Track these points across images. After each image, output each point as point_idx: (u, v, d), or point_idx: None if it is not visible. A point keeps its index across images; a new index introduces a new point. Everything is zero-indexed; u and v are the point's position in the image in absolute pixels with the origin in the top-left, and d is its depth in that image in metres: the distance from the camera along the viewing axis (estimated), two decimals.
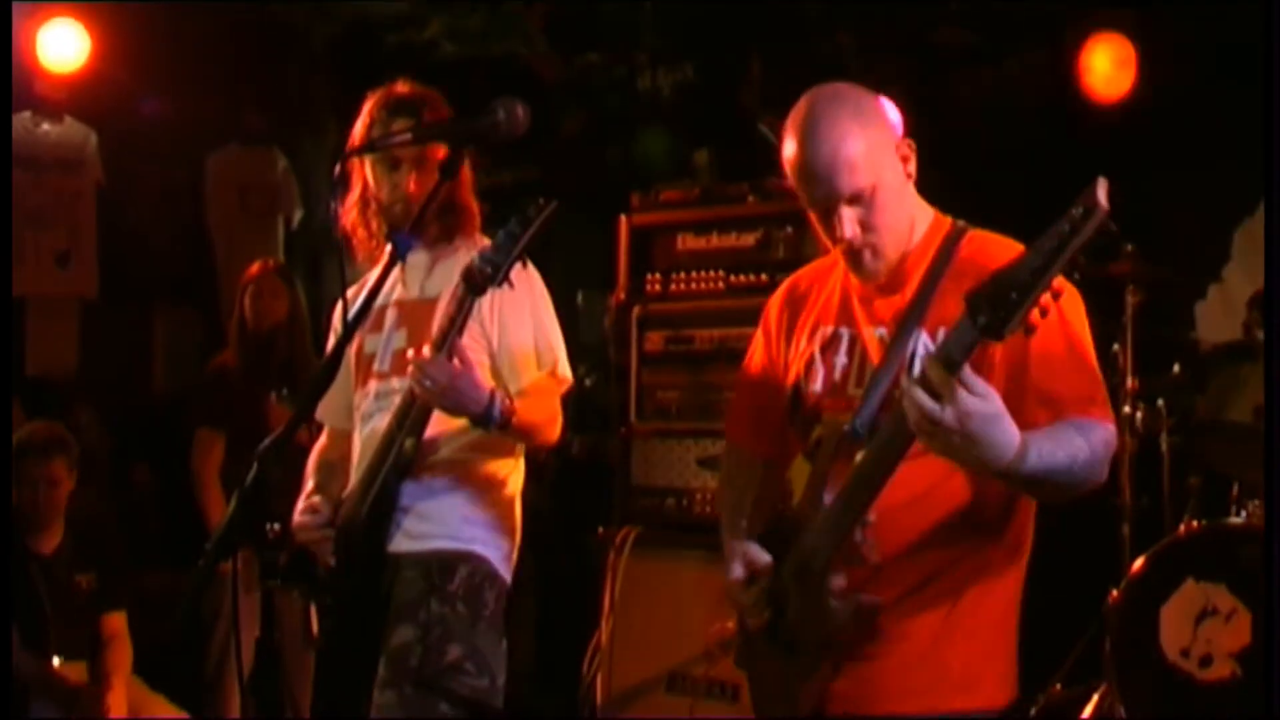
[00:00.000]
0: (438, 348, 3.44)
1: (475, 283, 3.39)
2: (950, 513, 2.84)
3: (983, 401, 2.49)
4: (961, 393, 2.47)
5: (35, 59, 7.14)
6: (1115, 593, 4.76)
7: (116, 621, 5.54)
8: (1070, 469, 2.66)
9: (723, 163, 6.78)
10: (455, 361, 3.44)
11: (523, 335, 3.68)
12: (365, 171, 3.79)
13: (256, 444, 2.82)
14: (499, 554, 3.72)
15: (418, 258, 3.77)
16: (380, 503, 3.62)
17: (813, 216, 2.93)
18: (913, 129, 6.20)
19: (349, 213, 3.79)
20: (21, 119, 7.50)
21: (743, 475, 3.25)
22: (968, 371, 2.48)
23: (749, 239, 5.28)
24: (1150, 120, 5.91)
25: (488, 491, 3.72)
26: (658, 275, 5.56)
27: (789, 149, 2.88)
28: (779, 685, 2.98)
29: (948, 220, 2.98)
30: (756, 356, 3.22)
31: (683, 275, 5.49)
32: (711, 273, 5.39)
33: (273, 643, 5.61)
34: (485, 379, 3.54)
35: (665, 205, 5.66)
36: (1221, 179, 5.61)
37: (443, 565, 3.63)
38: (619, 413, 5.58)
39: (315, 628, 4.05)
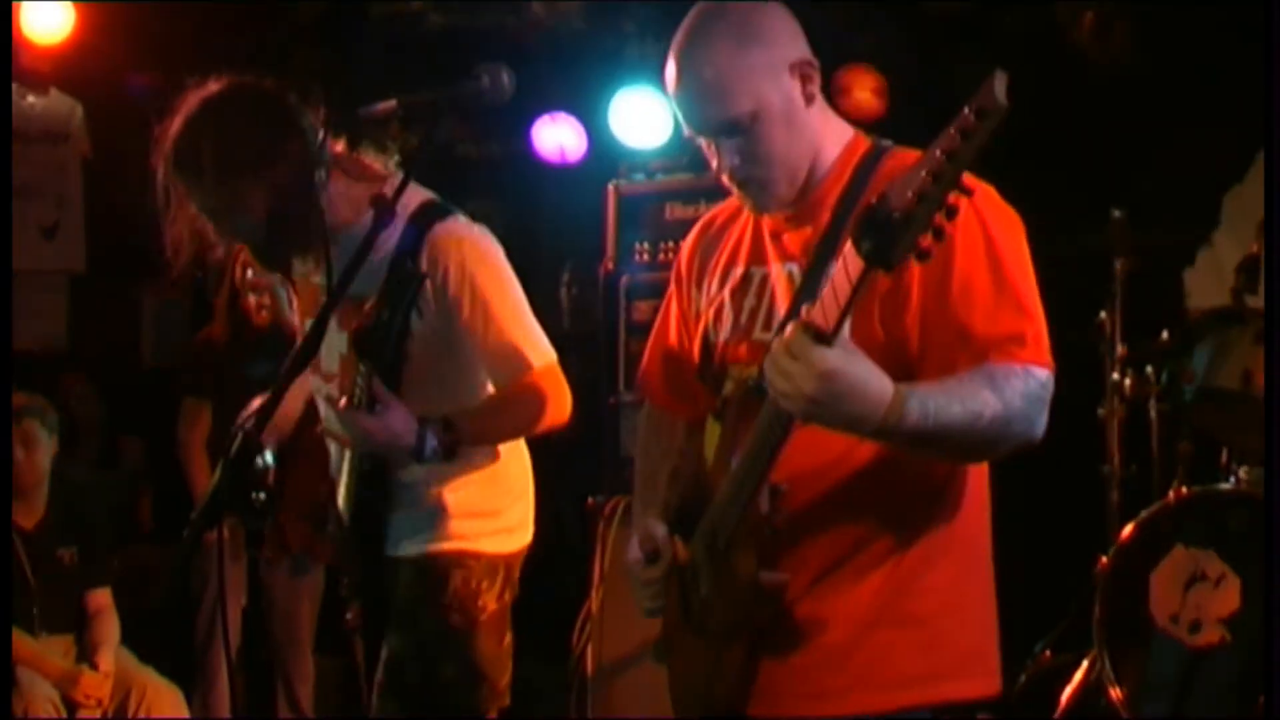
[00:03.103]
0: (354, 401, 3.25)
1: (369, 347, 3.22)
2: (869, 480, 2.48)
3: (845, 355, 2.19)
4: (819, 349, 2.16)
5: (20, 31, 7.09)
6: (1104, 559, 4.76)
7: (101, 597, 5.54)
8: (972, 426, 2.30)
9: None
10: (371, 416, 3.24)
11: (483, 340, 3.39)
12: None
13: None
14: (498, 539, 3.55)
15: (343, 247, 3.42)
16: (360, 516, 3.49)
17: (704, 148, 2.64)
18: (903, 97, 6.21)
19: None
20: None
21: (660, 442, 2.93)
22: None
23: None
24: (1140, 86, 5.90)
25: (479, 475, 3.51)
26: (645, 244, 5.54)
27: (666, 76, 2.60)
28: (696, 679, 2.69)
29: (867, 141, 2.62)
30: (671, 308, 2.89)
31: (671, 244, 5.47)
32: None
33: (259, 612, 5.62)
34: (408, 417, 3.27)
35: (653, 174, 5.64)
36: (1211, 145, 5.60)
37: (436, 571, 3.48)
38: (607, 383, 5.57)
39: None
